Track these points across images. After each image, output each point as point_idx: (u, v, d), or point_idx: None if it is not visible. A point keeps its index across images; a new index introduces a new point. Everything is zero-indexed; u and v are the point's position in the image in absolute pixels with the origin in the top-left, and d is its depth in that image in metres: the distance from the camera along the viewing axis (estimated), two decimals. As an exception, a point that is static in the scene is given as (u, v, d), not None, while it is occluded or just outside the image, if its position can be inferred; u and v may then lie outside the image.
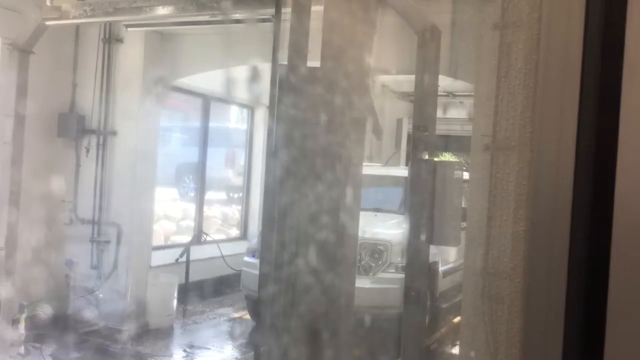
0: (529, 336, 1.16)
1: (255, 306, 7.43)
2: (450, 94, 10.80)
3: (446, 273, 7.89)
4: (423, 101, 3.79)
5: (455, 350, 6.86)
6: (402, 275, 4.70)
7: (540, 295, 1.13)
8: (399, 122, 12.14)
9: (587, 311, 1.07)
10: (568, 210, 1.08)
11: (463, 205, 3.85)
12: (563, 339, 1.08)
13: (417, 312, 3.79)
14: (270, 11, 3.73)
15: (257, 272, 5.87)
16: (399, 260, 6.80)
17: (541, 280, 1.11)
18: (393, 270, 6.93)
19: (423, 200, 3.55)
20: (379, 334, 6.14)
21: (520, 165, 1.25)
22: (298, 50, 1.89)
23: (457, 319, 7.33)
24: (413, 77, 3.90)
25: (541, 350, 1.13)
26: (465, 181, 3.89)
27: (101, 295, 6.86)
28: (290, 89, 1.91)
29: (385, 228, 7.48)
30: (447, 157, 12.62)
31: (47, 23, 5.71)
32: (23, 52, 5.63)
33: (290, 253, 2.21)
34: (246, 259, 7.68)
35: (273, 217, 2.39)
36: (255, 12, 5.05)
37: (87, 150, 7.30)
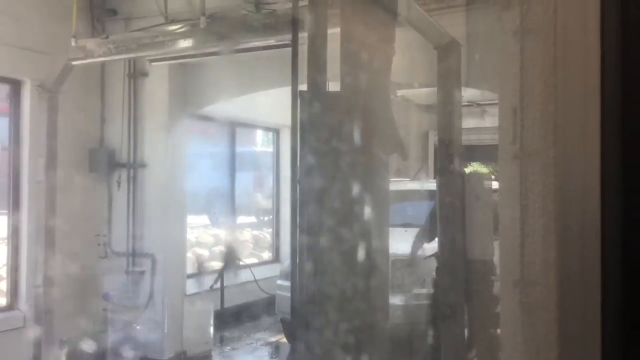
0: (566, 344, 1.13)
1: (290, 329, 7.39)
2: (474, 104, 10.71)
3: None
4: (447, 114, 3.77)
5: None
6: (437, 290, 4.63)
7: (576, 302, 1.10)
8: (425, 135, 12.08)
9: (625, 313, 1.04)
10: (598, 214, 1.06)
11: (495, 216, 3.79)
12: (601, 343, 1.05)
13: (454, 326, 3.73)
14: (287, 37, 3.78)
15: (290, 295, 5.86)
16: (433, 275, 6.71)
17: (576, 287, 1.09)
18: (428, 286, 6.83)
19: (453, 213, 3.51)
20: (420, 351, 6.05)
21: (548, 171, 1.23)
22: (316, 74, 1.90)
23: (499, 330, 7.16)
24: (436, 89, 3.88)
25: (580, 356, 1.11)
26: (496, 191, 3.84)
27: (138, 327, 6.91)
28: (310, 113, 1.91)
29: (417, 243, 7.39)
30: (475, 167, 12.50)
31: (74, 63, 5.87)
32: (51, 92, 5.78)
33: (320, 275, 2.20)
34: (279, 282, 7.67)
35: (302, 240, 2.39)
36: (274, 39, 5.11)
37: (119, 184, 7.42)
